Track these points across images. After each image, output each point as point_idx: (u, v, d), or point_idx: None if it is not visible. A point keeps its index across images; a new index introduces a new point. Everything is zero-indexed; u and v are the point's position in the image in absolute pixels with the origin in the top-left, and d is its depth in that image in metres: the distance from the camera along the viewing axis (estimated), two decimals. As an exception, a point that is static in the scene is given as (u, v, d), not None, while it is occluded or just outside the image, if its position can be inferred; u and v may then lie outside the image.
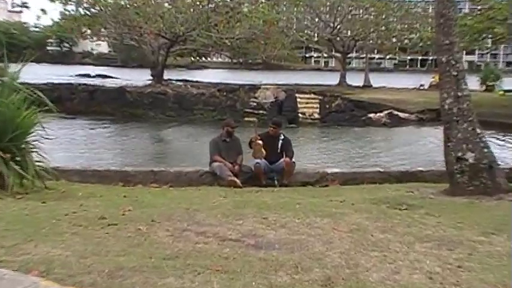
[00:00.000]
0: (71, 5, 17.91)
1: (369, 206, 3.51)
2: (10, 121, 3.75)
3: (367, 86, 23.59)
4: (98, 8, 17.41)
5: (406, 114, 15.43)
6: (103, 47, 48.20)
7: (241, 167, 5.42)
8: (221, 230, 2.63)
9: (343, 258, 2.19)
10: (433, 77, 22.49)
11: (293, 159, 5.46)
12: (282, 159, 5.47)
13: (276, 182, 5.38)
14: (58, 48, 51.36)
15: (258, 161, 5.38)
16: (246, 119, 15.85)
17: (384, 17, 22.78)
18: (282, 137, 5.61)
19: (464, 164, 3.97)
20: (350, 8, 22.81)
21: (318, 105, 16.25)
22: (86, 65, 43.36)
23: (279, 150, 5.54)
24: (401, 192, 4.25)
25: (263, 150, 5.41)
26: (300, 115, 15.80)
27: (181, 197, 4.05)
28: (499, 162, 4.17)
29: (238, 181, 5.09)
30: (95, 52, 52.07)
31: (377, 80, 25.66)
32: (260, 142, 5.40)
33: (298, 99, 16.29)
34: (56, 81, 17.55)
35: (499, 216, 3.08)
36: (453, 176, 4.08)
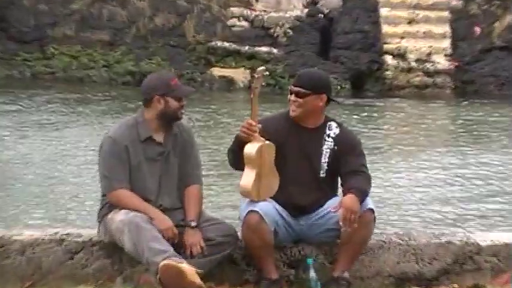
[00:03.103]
0: None
1: None
2: None
3: None
4: None
5: None
6: None
7: (199, 224, 5.55)
8: None
9: None
10: None
11: (369, 204, 5.52)
12: (332, 201, 5.56)
13: (312, 275, 5.47)
14: None
15: (254, 207, 5.46)
16: (218, 72, 15.82)
17: None
18: (335, 130, 5.72)
19: None
20: None
21: (447, 31, 16.04)
22: None
23: (322, 172, 5.64)
24: None
25: (274, 169, 5.56)
26: (388, 61, 15.71)
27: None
28: None
29: (190, 269, 5.14)
30: None
31: None
32: (265, 144, 5.49)
33: (384, 13, 16.15)
34: None
35: None
36: None
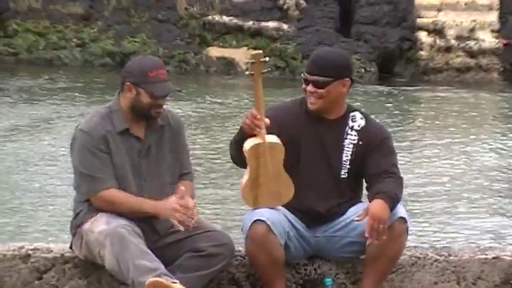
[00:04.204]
0: None
1: None
2: None
3: None
4: None
5: None
6: None
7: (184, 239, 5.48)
8: None
9: None
10: None
11: (400, 212, 5.41)
12: (355, 208, 5.51)
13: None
14: None
15: (260, 215, 5.36)
16: (215, 52, 15.81)
17: None
18: (359, 121, 5.64)
19: None
20: None
21: (494, 2, 16.47)
22: None
23: (343, 172, 5.60)
24: None
25: (282, 175, 5.48)
26: (422, 38, 15.89)
27: None
28: None
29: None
30: None
31: None
32: (265, 144, 5.38)
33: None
34: None
35: None
36: None
